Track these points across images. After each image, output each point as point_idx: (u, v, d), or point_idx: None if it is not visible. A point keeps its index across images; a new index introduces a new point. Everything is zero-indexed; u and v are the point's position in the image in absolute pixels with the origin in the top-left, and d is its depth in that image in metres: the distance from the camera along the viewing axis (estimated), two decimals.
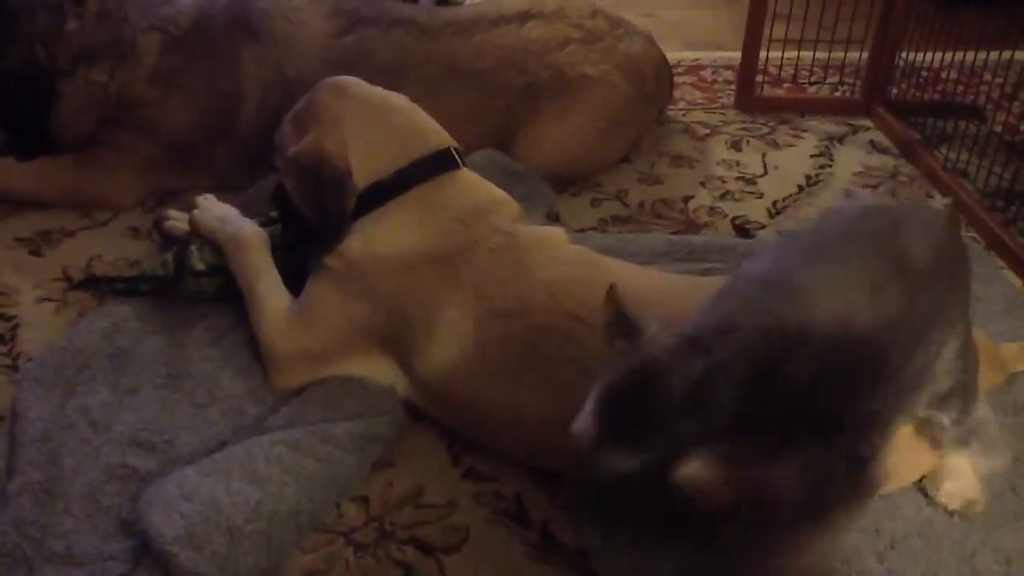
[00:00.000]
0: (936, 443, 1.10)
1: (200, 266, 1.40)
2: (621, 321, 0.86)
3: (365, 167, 1.24)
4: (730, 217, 1.77)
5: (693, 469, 0.76)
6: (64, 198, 1.72)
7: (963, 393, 1.04)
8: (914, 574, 1.06)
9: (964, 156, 1.86)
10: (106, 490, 1.11)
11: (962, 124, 1.96)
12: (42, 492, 1.09)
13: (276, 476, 1.08)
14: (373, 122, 1.28)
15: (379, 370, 1.24)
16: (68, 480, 1.11)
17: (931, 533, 1.11)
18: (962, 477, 1.13)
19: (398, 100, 1.33)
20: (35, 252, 1.60)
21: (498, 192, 1.31)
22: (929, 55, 2.01)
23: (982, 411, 1.10)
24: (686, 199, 1.83)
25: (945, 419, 1.05)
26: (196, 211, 1.46)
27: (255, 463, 1.09)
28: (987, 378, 1.18)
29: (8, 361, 1.35)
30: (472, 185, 1.29)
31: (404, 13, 1.85)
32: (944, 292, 0.95)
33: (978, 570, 1.07)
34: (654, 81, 1.93)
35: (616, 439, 0.81)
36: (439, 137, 1.30)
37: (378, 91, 1.33)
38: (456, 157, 1.29)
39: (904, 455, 1.09)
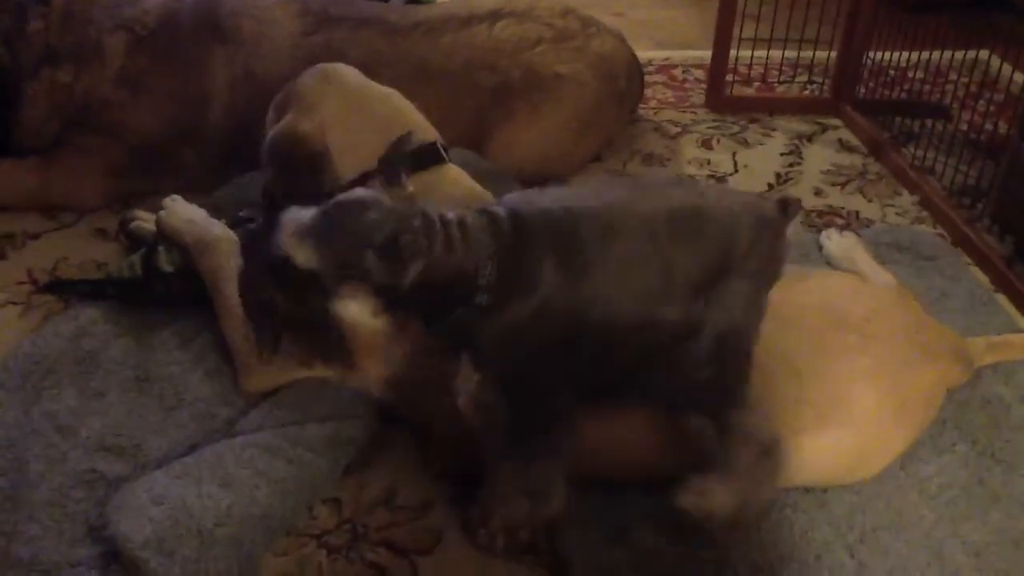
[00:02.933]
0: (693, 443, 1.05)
1: (168, 268, 1.38)
2: (389, 167, 0.99)
3: (348, 157, 1.22)
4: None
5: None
6: (29, 201, 1.69)
7: (721, 396, 1.03)
8: (884, 567, 1.07)
9: (931, 154, 1.88)
10: (73, 496, 1.09)
11: (929, 123, 1.98)
12: (6, 499, 1.08)
13: (247, 479, 1.07)
14: (355, 109, 1.26)
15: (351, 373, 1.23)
16: (34, 486, 1.10)
17: (900, 526, 1.12)
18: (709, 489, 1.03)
19: (384, 91, 1.31)
20: None
21: (479, 189, 1.30)
22: (896, 55, 2.04)
23: (743, 437, 1.02)
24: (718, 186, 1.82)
25: (693, 419, 1.03)
26: (163, 212, 1.45)
27: (225, 466, 1.08)
28: (953, 373, 1.20)
29: None
30: (456, 181, 1.28)
31: (374, 12, 1.84)
32: (715, 271, 1.00)
33: (946, 562, 1.08)
34: (625, 80, 1.93)
35: (315, 241, 0.92)
36: (425, 131, 1.28)
37: (365, 80, 1.32)
38: (442, 152, 1.28)
39: (872, 444, 1.10)
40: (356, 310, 0.97)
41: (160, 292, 1.39)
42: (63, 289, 1.47)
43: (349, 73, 1.32)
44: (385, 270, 0.90)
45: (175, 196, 1.49)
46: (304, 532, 1.09)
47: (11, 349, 1.32)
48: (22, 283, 1.51)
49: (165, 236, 1.42)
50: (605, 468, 1.09)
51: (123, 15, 1.70)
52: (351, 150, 1.23)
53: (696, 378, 1.02)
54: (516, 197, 1.05)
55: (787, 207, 1.05)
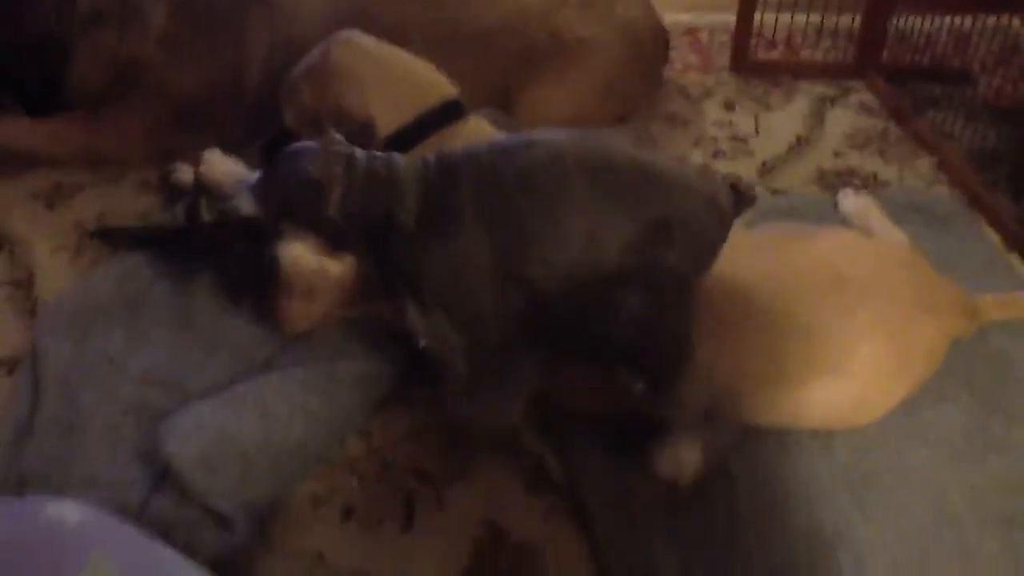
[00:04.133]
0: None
1: (208, 217, 1.45)
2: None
3: (385, 118, 1.29)
4: (722, 175, 1.82)
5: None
6: (76, 155, 1.76)
7: (657, 361, 1.06)
8: (884, 507, 1.12)
9: (952, 119, 1.90)
10: (124, 423, 1.17)
11: (951, 88, 2.00)
12: (64, 426, 1.16)
13: (284, 411, 1.14)
14: (387, 75, 1.33)
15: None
16: (88, 415, 1.18)
17: (902, 469, 1.17)
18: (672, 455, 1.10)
19: (404, 54, 1.38)
20: (49, 206, 1.66)
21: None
22: (921, 20, 2.06)
23: (680, 410, 1.07)
24: (680, 158, 1.87)
25: (624, 375, 1.06)
26: (203, 165, 1.52)
27: (264, 399, 1.15)
28: (957, 326, 1.25)
29: (27, 307, 1.41)
30: (478, 131, 1.35)
31: None
32: (649, 236, 1.01)
33: (946, 503, 1.13)
34: (650, 44, 1.97)
35: (255, 190, 1.05)
36: (447, 87, 1.36)
37: (386, 46, 1.38)
38: (463, 107, 1.34)
39: (872, 392, 1.15)
40: (298, 248, 1.11)
41: (200, 240, 1.47)
42: (109, 236, 1.54)
43: (369, 41, 1.38)
44: (306, 204, 1.02)
45: (214, 149, 1.56)
46: (337, 460, 1.16)
47: (63, 292, 1.41)
48: (71, 231, 1.59)
49: (204, 187, 1.49)
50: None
51: None
52: (385, 112, 1.30)
53: (621, 336, 1.04)
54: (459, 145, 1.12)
55: (740, 199, 1.09)
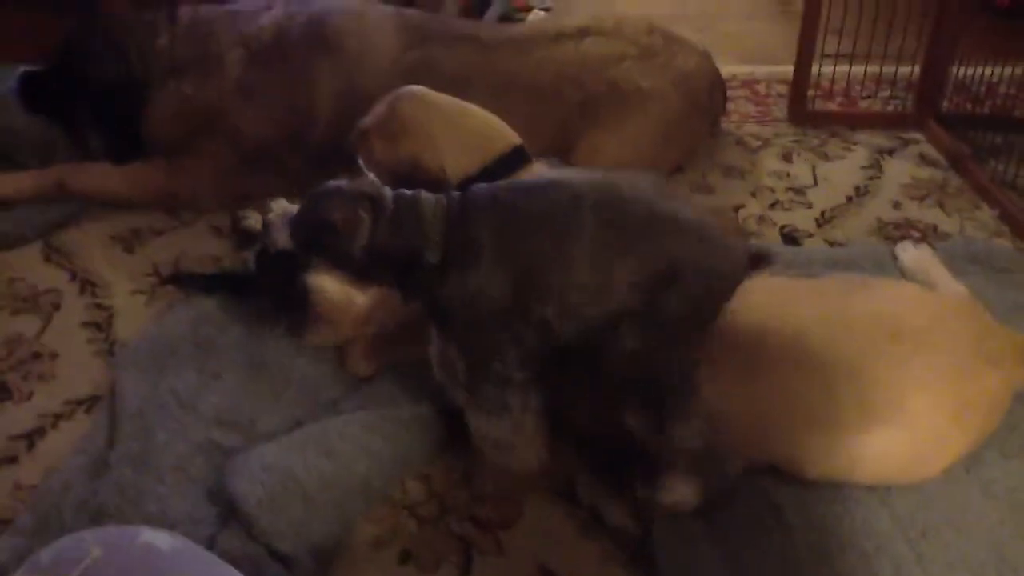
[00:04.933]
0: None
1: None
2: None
3: (454, 167, 1.33)
4: (779, 226, 1.83)
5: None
6: (154, 199, 1.85)
7: (652, 397, 1.10)
8: (943, 561, 1.11)
9: (1013, 169, 1.89)
10: (194, 462, 1.22)
11: (1013, 137, 1.99)
12: (138, 462, 1.21)
13: (348, 452, 1.18)
14: (454, 127, 1.38)
15: None
16: (161, 452, 1.23)
17: (963, 524, 1.15)
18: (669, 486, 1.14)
19: (468, 105, 1.43)
20: (128, 249, 1.74)
21: None
22: (982, 69, 2.05)
23: (677, 448, 1.10)
24: (737, 208, 1.89)
25: (626, 414, 1.11)
26: (270, 213, 1.58)
27: (329, 440, 1.19)
28: (1020, 376, 1.23)
29: (106, 346, 1.48)
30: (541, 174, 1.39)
31: (468, 29, 1.95)
32: (655, 281, 1.06)
33: (1007, 559, 1.11)
34: (708, 95, 2.00)
35: (289, 226, 1.15)
36: (512, 136, 1.40)
37: (450, 98, 1.43)
38: (526, 153, 1.39)
39: (927, 446, 1.14)
40: (327, 281, 1.21)
41: (269, 286, 1.52)
42: (183, 282, 1.61)
43: (433, 94, 1.43)
44: (335, 243, 1.08)
45: (280, 199, 1.62)
46: (397, 503, 1.19)
47: (140, 332, 1.47)
48: (148, 275, 1.66)
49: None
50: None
51: (241, 32, 1.85)
52: (454, 162, 1.35)
53: (617, 369, 1.10)
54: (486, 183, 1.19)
55: (760, 257, 1.14)
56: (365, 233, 1.08)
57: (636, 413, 1.10)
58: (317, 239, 1.10)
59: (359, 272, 1.13)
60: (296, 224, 1.13)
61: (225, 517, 1.13)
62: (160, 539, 0.58)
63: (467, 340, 1.12)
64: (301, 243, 1.13)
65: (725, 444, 1.12)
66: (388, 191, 1.13)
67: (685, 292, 1.07)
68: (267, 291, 1.45)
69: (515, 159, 1.37)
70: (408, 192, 1.13)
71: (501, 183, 1.18)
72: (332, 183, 1.14)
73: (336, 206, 1.09)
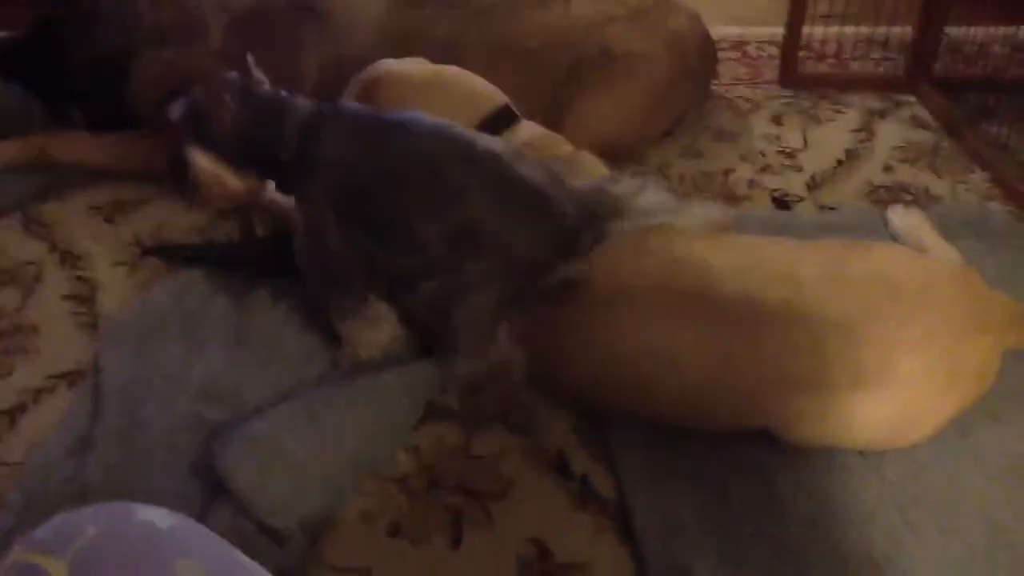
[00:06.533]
0: None
1: (261, 234, 1.49)
2: None
3: None
4: (769, 190, 1.81)
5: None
6: (135, 169, 1.81)
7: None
8: (934, 528, 1.11)
9: (1007, 131, 1.87)
10: (180, 437, 1.20)
11: (1006, 99, 1.97)
12: (123, 438, 1.20)
13: (335, 426, 1.16)
14: (433, 99, 1.36)
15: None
16: (145, 427, 1.21)
17: (954, 492, 1.16)
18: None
19: (448, 69, 1.40)
20: (109, 220, 1.71)
21: (552, 133, 1.43)
22: (975, 30, 2.03)
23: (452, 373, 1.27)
24: (726, 172, 1.87)
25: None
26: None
27: (315, 414, 1.17)
28: (1009, 339, 1.22)
29: (89, 320, 1.46)
30: (534, 134, 1.41)
31: None
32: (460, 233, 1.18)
33: (998, 527, 1.12)
34: (698, 57, 1.96)
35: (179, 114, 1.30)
36: (497, 96, 1.38)
37: (424, 68, 1.41)
38: (514, 111, 1.39)
39: (918, 409, 1.14)
40: (200, 157, 1.28)
41: (253, 256, 1.50)
42: (166, 253, 1.59)
43: (407, 68, 1.41)
44: (202, 124, 1.24)
45: None
46: (387, 476, 1.18)
47: (123, 306, 1.45)
48: (130, 245, 1.63)
49: (258, 204, 1.52)
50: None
51: None
52: None
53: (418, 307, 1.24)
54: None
55: (598, 233, 1.21)
56: (227, 120, 1.23)
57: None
58: (189, 118, 1.25)
59: (227, 156, 1.26)
60: (184, 103, 1.27)
61: (213, 492, 1.11)
62: (157, 516, 0.57)
63: (316, 245, 1.26)
64: (183, 120, 1.27)
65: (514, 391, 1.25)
66: (270, 87, 1.28)
67: (483, 255, 1.17)
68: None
69: (502, 118, 1.35)
70: (284, 94, 1.27)
71: (368, 112, 1.28)
72: (230, 74, 1.28)
73: (209, 91, 1.24)
